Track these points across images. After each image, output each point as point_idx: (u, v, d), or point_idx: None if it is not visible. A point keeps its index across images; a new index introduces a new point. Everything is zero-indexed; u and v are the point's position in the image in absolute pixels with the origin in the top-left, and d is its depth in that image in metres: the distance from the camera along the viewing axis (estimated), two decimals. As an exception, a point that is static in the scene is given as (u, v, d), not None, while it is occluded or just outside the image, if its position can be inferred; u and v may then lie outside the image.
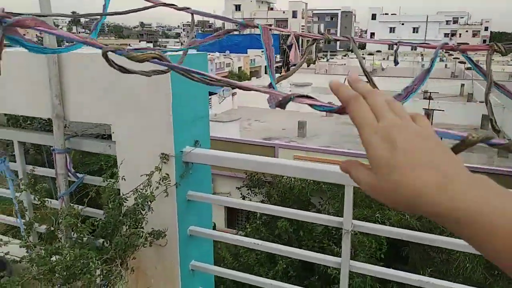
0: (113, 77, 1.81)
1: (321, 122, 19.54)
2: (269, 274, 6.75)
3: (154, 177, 1.76)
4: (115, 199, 1.76)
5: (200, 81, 0.71)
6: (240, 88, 0.76)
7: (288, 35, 1.45)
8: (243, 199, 9.33)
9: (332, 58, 53.17)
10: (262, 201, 9.10)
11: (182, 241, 1.87)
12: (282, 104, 0.65)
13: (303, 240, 7.47)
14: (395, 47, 1.40)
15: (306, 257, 1.81)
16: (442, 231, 6.32)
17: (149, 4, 1.28)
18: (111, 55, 0.63)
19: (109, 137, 2.02)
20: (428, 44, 1.32)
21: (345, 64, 40.54)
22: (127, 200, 1.76)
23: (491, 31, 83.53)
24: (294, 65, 1.35)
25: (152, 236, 1.75)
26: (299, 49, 1.40)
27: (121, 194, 1.83)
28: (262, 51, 1.20)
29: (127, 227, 1.70)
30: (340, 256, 1.72)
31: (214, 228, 8.99)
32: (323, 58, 55.20)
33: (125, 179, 1.84)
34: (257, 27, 1.29)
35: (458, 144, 0.58)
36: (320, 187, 8.70)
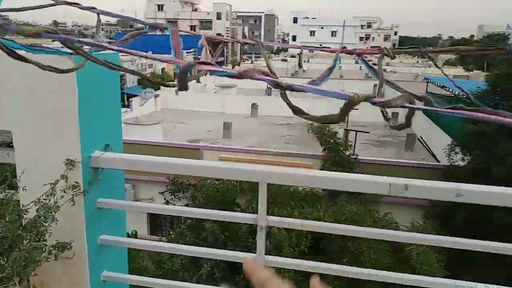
0: (12, 77, 1.66)
1: (247, 123, 19.81)
2: (193, 279, 6.68)
3: (59, 185, 1.64)
4: (13, 212, 1.61)
5: (100, 63, 0.67)
6: (147, 79, 0.73)
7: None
8: (167, 204, 9.12)
9: (257, 60, 54.12)
10: (187, 205, 8.98)
11: (91, 251, 1.77)
12: (183, 77, 0.64)
13: (229, 240, 7.51)
14: (301, 52, 1.46)
15: (222, 256, 1.81)
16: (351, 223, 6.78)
17: (50, 2, 1.20)
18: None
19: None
20: (329, 48, 1.40)
21: (268, 66, 41.46)
22: (28, 212, 1.62)
23: (400, 36, 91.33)
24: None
25: (56, 248, 1.63)
26: (223, 50, 1.40)
27: (21, 206, 1.68)
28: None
29: (27, 241, 1.57)
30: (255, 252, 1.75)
31: (135, 236, 8.72)
32: (248, 60, 55.99)
33: (26, 190, 1.70)
34: (167, 29, 1.26)
35: (346, 103, 0.66)
36: (248, 186, 8.82)
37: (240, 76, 0.64)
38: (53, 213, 1.60)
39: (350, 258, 6.66)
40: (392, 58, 1.34)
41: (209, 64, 0.66)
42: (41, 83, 1.66)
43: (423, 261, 5.93)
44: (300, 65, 1.39)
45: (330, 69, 1.23)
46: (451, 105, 0.83)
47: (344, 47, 1.34)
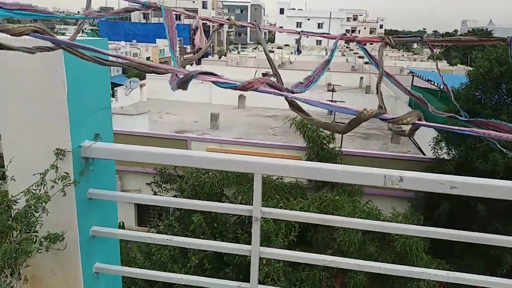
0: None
1: (234, 114, 19.73)
2: (183, 270, 6.66)
3: (49, 175, 1.60)
4: (2, 202, 1.57)
5: (90, 60, 0.65)
6: (141, 70, 0.71)
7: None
8: (155, 195, 9.05)
9: (243, 51, 53.83)
10: (175, 196, 8.92)
11: (83, 242, 1.74)
12: (184, 82, 0.62)
13: (217, 232, 7.50)
14: (300, 37, 1.44)
15: (217, 247, 1.80)
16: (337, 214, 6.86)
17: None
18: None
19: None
20: (329, 34, 1.39)
21: (255, 57, 41.30)
22: (17, 202, 1.58)
23: (385, 29, 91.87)
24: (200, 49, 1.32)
25: (48, 240, 1.59)
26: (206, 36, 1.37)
27: (10, 196, 1.63)
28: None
29: (17, 232, 1.53)
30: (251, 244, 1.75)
31: (122, 227, 8.66)
32: (234, 51, 55.65)
33: (14, 179, 1.65)
34: (160, 9, 1.23)
35: (355, 119, 0.63)
36: (234, 178, 8.80)
37: (244, 88, 0.62)
38: (44, 204, 1.56)
39: (336, 247, 6.74)
40: (393, 47, 1.34)
41: (213, 74, 0.64)
42: (29, 71, 1.61)
43: (410, 248, 6.04)
44: (299, 51, 1.37)
45: (327, 62, 1.22)
46: (455, 117, 0.82)
47: (345, 34, 1.33)
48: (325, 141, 9.49)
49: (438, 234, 1.76)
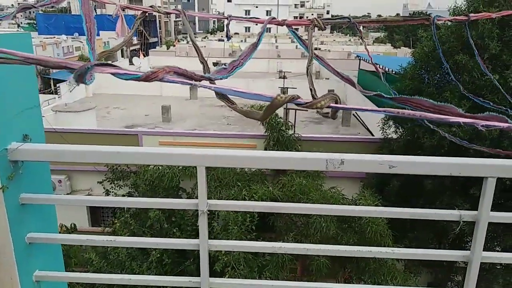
0: None
1: (186, 106, 19.42)
2: (142, 267, 6.54)
3: (-28, 182, 1.47)
4: None
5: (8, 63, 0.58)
6: (43, 64, 0.65)
7: (148, 16, 1.33)
8: (107, 193, 8.75)
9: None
10: (129, 193, 8.68)
11: (19, 251, 1.63)
12: (80, 75, 0.57)
13: (175, 226, 7.41)
14: (229, 23, 1.40)
15: (164, 244, 1.76)
16: (300, 199, 6.98)
17: None
18: None
19: None
20: (258, 18, 1.37)
21: (205, 46, 40.74)
22: None
23: (332, 15, 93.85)
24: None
25: (-24, 252, 1.47)
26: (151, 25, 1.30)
27: None
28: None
29: None
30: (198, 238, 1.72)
31: (74, 229, 8.27)
32: (183, 40, 54.52)
33: None
34: None
35: (269, 105, 0.62)
36: (190, 171, 8.69)
37: (148, 79, 0.58)
38: (-32, 214, 1.44)
39: (298, 231, 6.87)
40: (322, 29, 1.33)
41: (111, 66, 0.59)
42: None
43: (374, 229, 6.26)
44: (228, 37, 1.34)
45: (254, 45, 1.20)
46: (374, 92, 0.83)
47: (274, 18, 1.31)
48: (283, 128, 9.58)
49: (392, 213, 1.81)
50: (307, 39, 1.24)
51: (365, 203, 6.41)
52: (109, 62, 0.56)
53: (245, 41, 46.93)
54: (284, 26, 1.35)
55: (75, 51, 34.13)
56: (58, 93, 17.71)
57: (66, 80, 18.59)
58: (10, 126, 1.60)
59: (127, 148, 1.64)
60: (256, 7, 77.31)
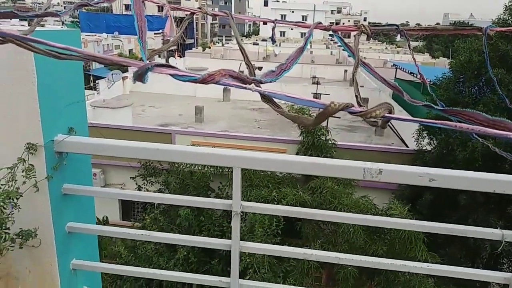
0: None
1: (219, 107, 19.61)
2: (169, 263, 6.63)
3: (20, 171, 1.55)
4: (-30, 199, 1.50)
5: (43, 53, 0.61)
6: (102, 61, 0.67)
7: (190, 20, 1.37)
8: (139, 189, 8.95)
9: (227, 43, 53.45)
10: (160, 190, 8.85)
11: (59, 239, 1.69)
12: (140, 74, 0.58)
13: (203, 226, 7.47)
14: (275, 26, 1.41)
15: (197, 242, 1.78)
16: (330, 203, 6.89)
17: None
18: None
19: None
20: (304, 23, 1.36)
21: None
22: (-14, 199, 1.52)
23: (369, 22, 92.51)
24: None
25: (20, 237, 1.54)
26: (189, 26, 1.33)
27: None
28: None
29: (-13, 230, 1.47)
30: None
31: (106, 222, 8.53)
32: (219, 43, 55.19)
33: (-17, 175, 1.59)
34: None
35: (322, 112, 0.61)
36: (220, 171, 8.77)
37: (204, 81, 0.59)
38: (15, 200, 1.51)
39: (325, 239, 6.77)
40: (369, 36, 1.31)
41: (171, 67, 0.60)
42: (-1, 63, 1.55)
43: (408, 240, 6.07)
44: (273, 40, 1.34)
45: (301, 49, 1.19)
46: (424, 103, 0.81)
47: (320, 23, 1.30)
48: (319, 133, 9.51)
49: (429, 228, 1.76)
50: (349, 44, 1.22)
51: (396, 215, 6.24)
52: (168, 64, 0.57)
53: (280, 45, 46.99)
54: (318, 32, 1.35)
55: (115, 49, 35.26)
56: (97, 89, 18.31)
57: (105, 77, 19.21)
58: (57, 118, 1.67)
59: (167, 145, 1.68)
60: (292, 12, 77.25)
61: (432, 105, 0.94)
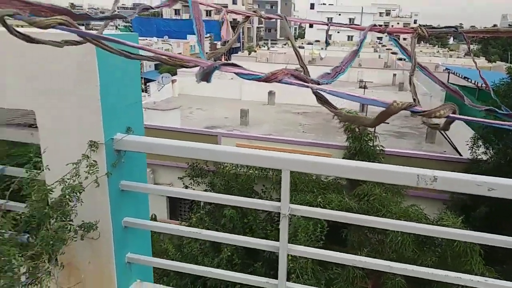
0: (36, 58, 1.67)
1: (264, 110, 19.73)
2: (213, 263, 6.74)
3: (83, 166, 1.65)
4: (39, 191, 1.63)
5: (115, 53, 0.65)
6: (168, 63, 0.71)
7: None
8: (186, 188, 9.19)
9: (273, 47, 53.65)
10: (205, 190, 9.04)
11: (116, 233, 1.79)
12: (207, 73, 0.61)
13: (247, 228, 7.54)
14: (329, 29, 1.41)
15: (245, 243, 1.80)
16: (378, 211, 6.70)
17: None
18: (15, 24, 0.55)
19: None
20: (358, 25, 1.35)
21: (285, 53, 41.03)
22: (53, 191, 1.64)
23: (419, 24, 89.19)
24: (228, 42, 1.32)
25: (82, 229, 1.64)
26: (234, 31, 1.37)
27: (46, 185, 1.69)
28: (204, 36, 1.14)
29: (54, 220, 1.58)
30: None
31: (154, 220, 8.80)
32: (264, 46, 55.55)
33: (49, 169, 1.71)
34: (187, 1, 1.23)
35: (384, 111, 0.60)
36: (265, 174, 8.81)
37: (268, 80, 0.60)
38: (78, 194, 1.61)
39: (374, 247, 6.60)
40: (426, 38, 1.28)
41: (236, 65, 0.63)
42: (64, 67, 1.66)
43: (461, 251, 5.76)
44: (327, 43, 1.35)
45: (355, 52, 1.18)
46: (487, 107, 0.78)
47: (375, 25, 1.29)
48: (366, 139, 9.24)
49: (481, 239, 1.67)
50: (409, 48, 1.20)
51: (448, 226, 5.95)
52: (234, 62, 0.60)
53: (326, 48, 46.46)
54: (360, 35, 1.32)
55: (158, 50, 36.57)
56: (148, 92, 19.06)
57: (156, 80, 19.93)
58: (117, 118, 1.76)
59: (219, 146, 1.72)
60: (339, 14, 76.22)
61: (496, 109, 0.90)
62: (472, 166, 9.16)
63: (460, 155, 11.97)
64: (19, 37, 0.53)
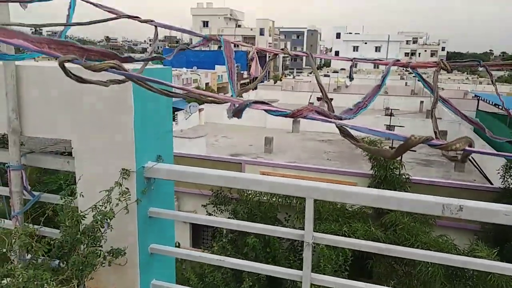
0: (74, 91, 1.78)
1: (288, 138, 19.78)
2: (235, 292, 6.66)
3: (114, 193, 1.72)
4: (72, 217, 1.70)
5: (156, 92, 0.72)
6: (202, 100, 0.77)
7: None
8: (211, 216, 9.22)
9: (298, 75, 54.24)
10: (228, 218, 9.03)
11: (142, 259, 1.83)
12: (238, 110, 0.66)
13: (270, 257, 7.45)
14: (353, 64, 1.46)
15: (268, 271, 1.81)
16: (406, 240, 6.51)
17: (113, 16, 1.28)
18: (69, 66, 0.62)
19: (69, 154, 1.96)
20: (381, 60, 1.40)
21: (310, 81, 41.37)
22: (86, 217, 1.71)
23: (447, 51, 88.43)
24: (256, 78, 1.39)
25: (111, 255, 1.70)
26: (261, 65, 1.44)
27: (79, 212, 1.77)
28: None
29: (85, 245, 1.65)
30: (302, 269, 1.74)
31: (178, 247, 8.83)
32: (290, 75, 56.23)
33: (83, 196, 1.80)
34: (220, 41, 1.32)
35: (402, 144, 0.64)
36: (288, 202, 8.76)
37: (294, 116, 0.66)
38: (109, 220, 1.68)
39: (401, 280, 6.38)
40: (449, 72, 1.31)
41: (265, 103, 0.68)
42: (102, 99, 1.77)
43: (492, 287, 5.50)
44: (351, 78, 1.39)
45: (378, 87, 1.23)
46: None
47: (398, 60, 1.33)
48: (392, 167, 9.08)
49: None
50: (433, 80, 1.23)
51: (482, 257, 5.70)
52: (263, 100, 0.65)
53: (350, 82, 46.42)
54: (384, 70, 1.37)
55: (193, 83, 37.55)
56: (175, 120, 19.50)
57: (183, 109, 20.42)
58: (148, 147, 1.85)
59: (243, 174, 1.77)
60: (365, 43, 76.55)
61: (517, 141, 0.91)
62: (504, 195, 8.82)
63: (491, 184, 11.56)
64: (72, 78, 0.60)
